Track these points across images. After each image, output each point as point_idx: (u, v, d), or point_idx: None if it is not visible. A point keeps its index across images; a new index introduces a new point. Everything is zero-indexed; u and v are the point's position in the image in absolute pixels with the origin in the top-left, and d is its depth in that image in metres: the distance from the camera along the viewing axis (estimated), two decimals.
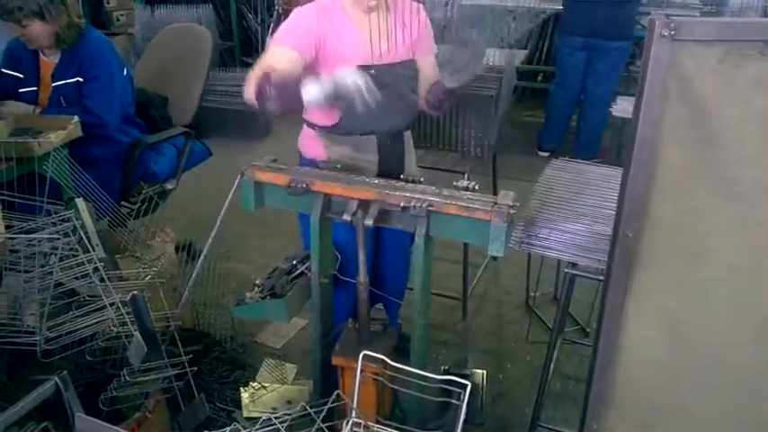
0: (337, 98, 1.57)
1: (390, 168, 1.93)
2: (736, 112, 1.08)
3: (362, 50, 1.88)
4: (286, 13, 6.10)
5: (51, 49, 2.60)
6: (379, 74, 1.80)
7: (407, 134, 2.11)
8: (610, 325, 1.28)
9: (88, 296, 1.79)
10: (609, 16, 3.89)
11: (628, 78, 4.22)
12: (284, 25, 1.91)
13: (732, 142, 1.10)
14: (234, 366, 2.41)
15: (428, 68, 2.00)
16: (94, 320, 1.72)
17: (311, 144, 2.05)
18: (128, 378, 1.72)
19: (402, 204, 1.62)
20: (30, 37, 2.52)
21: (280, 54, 1.79)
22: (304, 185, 1.70)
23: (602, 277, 1.33)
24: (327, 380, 1.97)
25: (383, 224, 1.71)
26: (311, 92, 1.56)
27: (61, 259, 1.76)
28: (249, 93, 1.67)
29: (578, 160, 2.17)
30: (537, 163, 2.32)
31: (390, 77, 1.87)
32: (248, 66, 6.23)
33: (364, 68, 1.79)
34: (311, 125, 2.02)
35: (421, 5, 2.06)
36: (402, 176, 1.77)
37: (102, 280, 1.76)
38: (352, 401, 1.54)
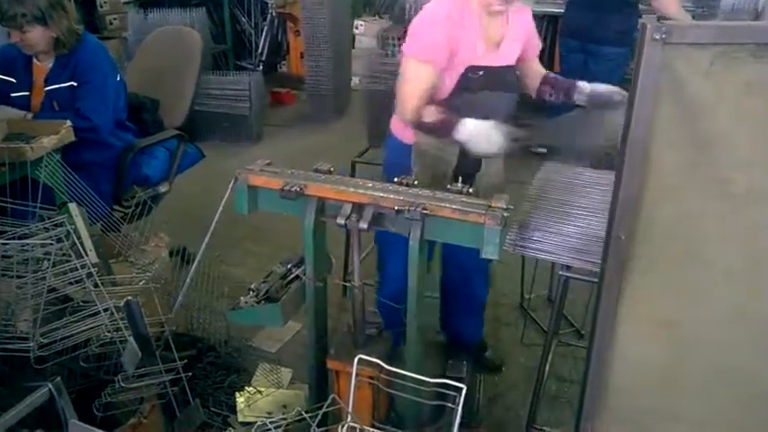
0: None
1: (467, 165, 2.00)
2: (729, 115, 1.08)
3: (477, 51, 1.96)
4: (280, 17, 6.13)
5: (46, 54, 2.59)
6: (486, 75, 1.96)
7: None
8: (603, 328, 1.28)
9: (82, 301, 1.78)
10: (605, 22, 3.89)
11: (622, 81, 4.24)
12: (422, 36, 1.94)
13: (724, 144, 1.10)
14: (229, 371, 2.40)
15: (533, 68, 2.17)
16: (88, 326, 1.71)
17: (402, 128, 2.12)
18: (122, 384, 1.71)
19: (396, 208, 1.62)
20: (29, 42, 2.51)
21: (428, 78, 1.94)
22: (297, 189, 1.70)
23: (596, 279, 1.34)
24: (323, 384, 1.97)
25: (378, 227, 1.71)
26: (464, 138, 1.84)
27: (54, 264, 1.75)
28: (413, 115, 1.93)
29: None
30: (531, 166, 2.32)
31: (494, 80, 1.99)
32: (242, 69, 6.21)
33: (474, 69, 1.95)
34: None
35: (529, 8, 2.13)
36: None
37: (95, 285, 1.76)
38: (348, 405, 1.54)
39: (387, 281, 2.32)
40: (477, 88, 1.98)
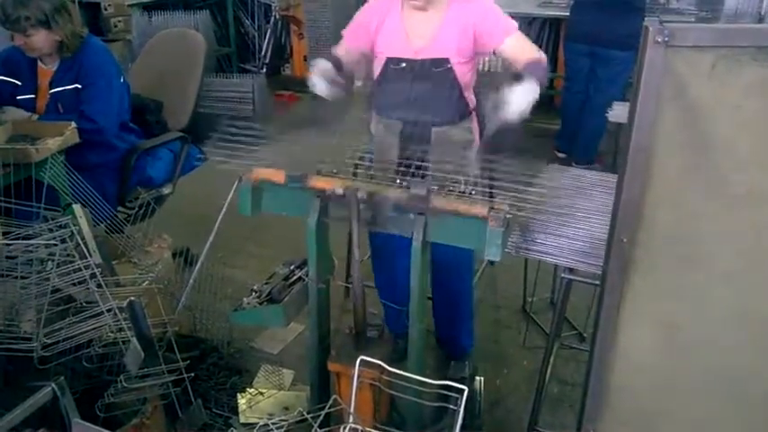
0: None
1: (410, 157, 1.98)
2: (730, 117, 1.09)
3: (398, 43, 2.06)
4: (284, 20, 6.14)
5: (51, 56, 2.60)
6: (408, 68, 2.04)
7: (443, 132, 2.12)
8: (605, 330, 1.28)
9: (85, 302, 1.79)
10: (611, 26, 3.90)
11: (625, 85, 4.24)
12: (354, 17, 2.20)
13: (726, 147, 1.10)
14: (231, 372, 2.41)
15: (508, 51, 2.03)
16: (91, 326, 1.72)
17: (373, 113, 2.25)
18: (125, 384, 1.72)
19: (402, 204, 1.62)
20: (32, 46, 2.52)
21: (341, 48, 2.18)
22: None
23: (598, 282, 1.34)
24: (324, 385, 1.97)
25: (380, 228, 1.72)
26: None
27: (58, 265, 1.76)
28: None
29: (574, 165, 2.18)
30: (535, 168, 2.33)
31: (421, 73, 2.03)
32: (245, 72, 6.21)
33: (395, 60, 2.05)
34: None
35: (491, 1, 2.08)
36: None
37: (99, 286, 1.76)
38: (349, 407, 1.54)
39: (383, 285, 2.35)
40: (400, 80, 2.06)
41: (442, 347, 2.57)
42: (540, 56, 2.01)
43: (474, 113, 2.17)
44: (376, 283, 2.47)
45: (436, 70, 2.03)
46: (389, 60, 2.07)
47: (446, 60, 2.03)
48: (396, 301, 2.33)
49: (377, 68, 2.14)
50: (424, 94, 2.05)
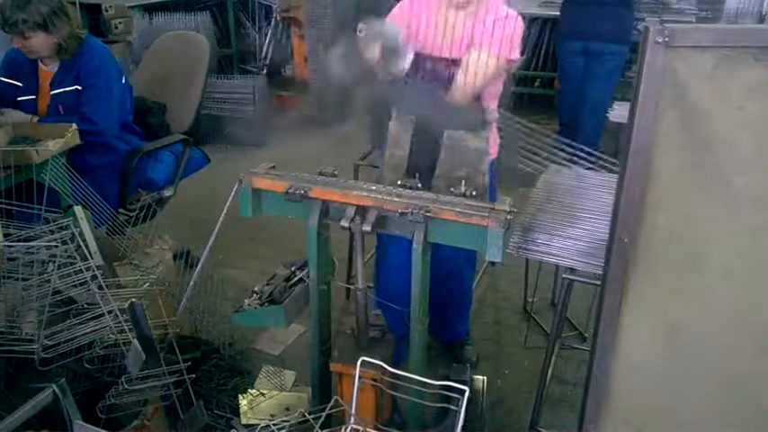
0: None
1: (419, 158, 1.98)
2: (731, 118, 1.09)
3: (433, 40, 2.03)
4: (285, 21, 6.15)
5: (51, 58, 2.61)
6: (434, 66, 2.01)
7: (457, 136, 2.07)
8: (606, 331, 1.28)
9: (86, 304, 1.79)
10: (605, 20, 3.91)
11: (624, 84, 4.24)
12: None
13: (727, 148, 1.10)
14: (232, 373, 2.41)
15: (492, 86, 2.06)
16: (92, 328, 1.72)
17: None
18: (126, 386, 1.72)
19: (400, 210, 1.63)
20: (31, 48, 2.52)
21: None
22: (302, 192, 1.71)
23: (599, 282, 1.34)
24: (326, 386, 1.97)
25: (381, 230, 1.72)
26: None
27: (59, 267, 1.76)
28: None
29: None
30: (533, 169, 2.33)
31: (447, 73, 2.01)
32: (246, 73, 6.19)
33: (425, 57, 2.01)
34: None
35: (517, 17, 2.05)
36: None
37: (100, 288, 1.76)
38: (351, 407, 1.54)
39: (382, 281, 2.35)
40: (426, 77, 2.02)
41: (433, 334, 2.57)
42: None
43: (494, 126, 2.14)
44: (379, 283, 2.47)
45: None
46: (420, 56, 2.03)
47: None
48: (397, 302, 2.33)
49: (408, 60, 2.06)
50: (445, 96, 2.02)
